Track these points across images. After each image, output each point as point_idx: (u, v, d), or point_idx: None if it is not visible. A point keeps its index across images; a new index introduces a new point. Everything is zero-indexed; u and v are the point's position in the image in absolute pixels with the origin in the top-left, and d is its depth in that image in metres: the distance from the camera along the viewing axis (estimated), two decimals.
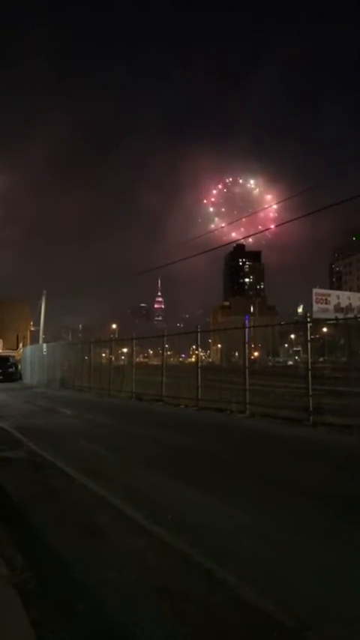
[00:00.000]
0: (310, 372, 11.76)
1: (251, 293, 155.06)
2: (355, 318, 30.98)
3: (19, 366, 36.65)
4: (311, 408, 11.28)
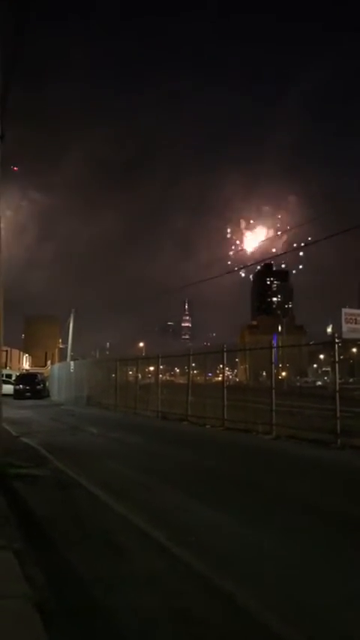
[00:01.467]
0: (338, 394, 11.55)
1: (279, 312, 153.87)
2: None
3: (47, 383, 37.09)
4: (339, 431, 11.05)
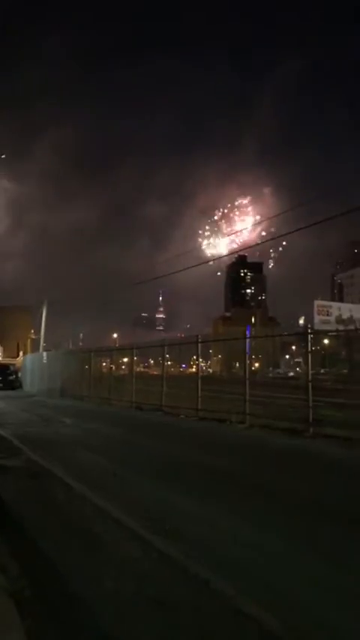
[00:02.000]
0: (310, 384, 11.73)
1: (252, 304, 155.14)
2: (356, 330, 31.00)
3: (20, 375, 36.65)
4: (311, 420, 11.25)
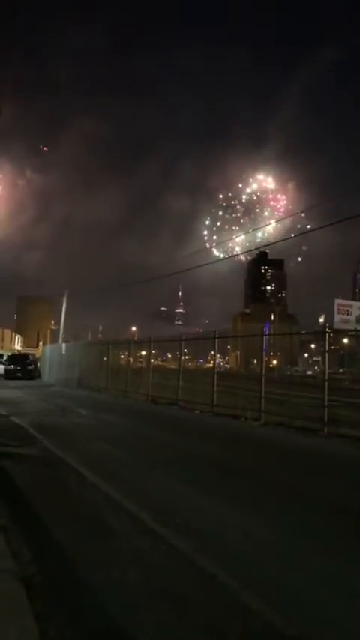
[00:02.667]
0: (326, 383, 11.65)
1: (272, 301, 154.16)
2: None
3: (38, 364, 37.11)
4: (326, 419, 11.18)
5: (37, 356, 42.60)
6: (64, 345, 35.36)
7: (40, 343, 52.04)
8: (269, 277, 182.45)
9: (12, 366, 32.46)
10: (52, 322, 54.37)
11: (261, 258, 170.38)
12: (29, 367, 33.82)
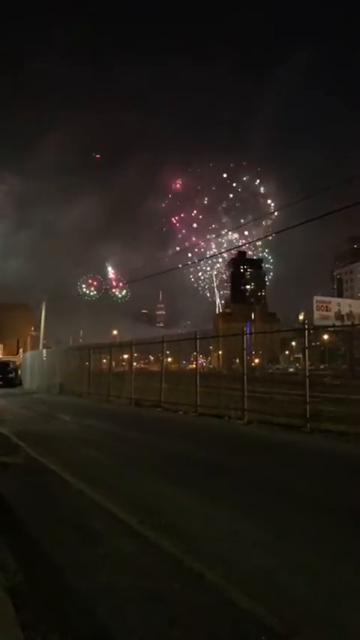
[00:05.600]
0: (307, 379, 11.77)
1: (252, 300, 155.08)
2: (353, 325, 31.00)
3: (19, 372, 36.69)
4: (309, 415, 11.29)
5: (18, 363, 42.13)
6: (44, 351, 35.05)
7: (21, 350, 51.43)
8: (248, 277, 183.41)
9: None
10: (32, 328, 53.73)
11: (239, 257, 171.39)
12: (10, 375, 33.45)
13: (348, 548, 4.17)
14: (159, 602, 3.21)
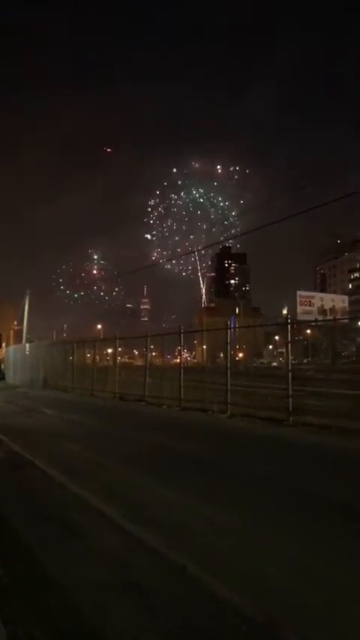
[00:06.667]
0: (290, 373, 11.86)
1: (236, 295, 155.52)
2: (334, 319, 31.31)
3: (2, 366, 36.39)
4: (291, 409, 11.38)
5: (1, 358, 41.76)
6: (27, 345, 34.76)
7: (4, 344, 50.96)
8: (232, 271, 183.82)
9: None
10: (15, 323, 53.24)
11: (223, 252, 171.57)
12: None
13: (329, 540, 4.22)
14: (141, 594, 3.22)
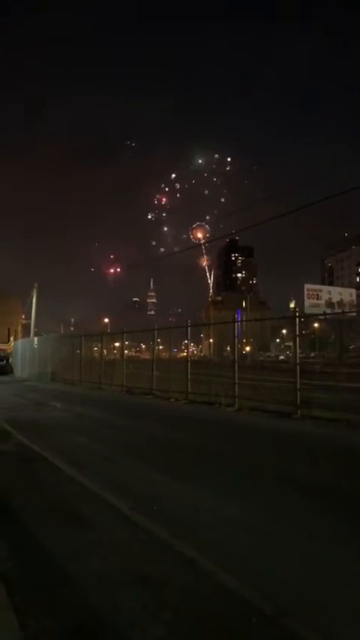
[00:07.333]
0: (298, 367, 11.85)
1: (243, 288, 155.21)
2: (342, 312, 31.17)
3: (11, 360, 36.60)
4: (299, 402, 11.38)
5: (9, 351, 41.99)
6: (35, 339, 34.91)
7: (12, 338, 51.21)
8: (239, 265, 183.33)
9: None
10: (23, 317, 53.44)
11: (230, 245, 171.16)
12: (1, 363, 33.43)
13: (340, 532, 4.23)
14: (150, 586, 3.25)
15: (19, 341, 41.07)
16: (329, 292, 52.74)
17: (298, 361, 12.07)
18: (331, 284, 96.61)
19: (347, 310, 41.50)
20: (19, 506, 4.98)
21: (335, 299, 50.26)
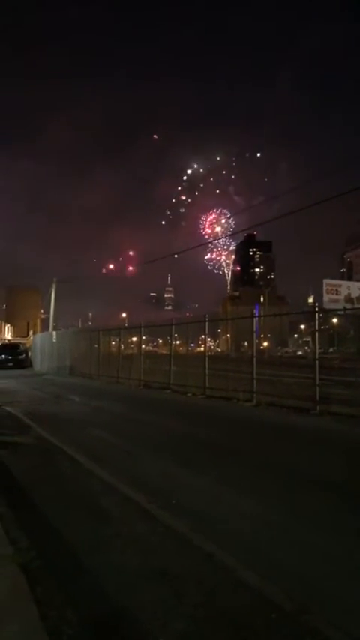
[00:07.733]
0: (317, 362, 11.74)
1: (261, 283, 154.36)
2: None
3: (30, 354, 36.96)
4: (318, 398, 11.28)
5: (28, 345, 42.44)
6: (54, 333, 35.18)
7: (31, 332, 51.79)
8: (257, 259, 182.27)
9: (3, 356, 32.32)
10: (42, 311, 54.00)
11: (249, 240, 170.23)
12: (20, 356, 33.68)
13: (358, 529, 4.19)
14: (169, 580, 3.25)
15: (38, 335, 41.49)
16: (349, 287, 51.98)
17: (317, 356, 11.96)
18: (350, 279, 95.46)
19: None
20: (38, 499, 5.03)
21: (355, 294, 49.59)
